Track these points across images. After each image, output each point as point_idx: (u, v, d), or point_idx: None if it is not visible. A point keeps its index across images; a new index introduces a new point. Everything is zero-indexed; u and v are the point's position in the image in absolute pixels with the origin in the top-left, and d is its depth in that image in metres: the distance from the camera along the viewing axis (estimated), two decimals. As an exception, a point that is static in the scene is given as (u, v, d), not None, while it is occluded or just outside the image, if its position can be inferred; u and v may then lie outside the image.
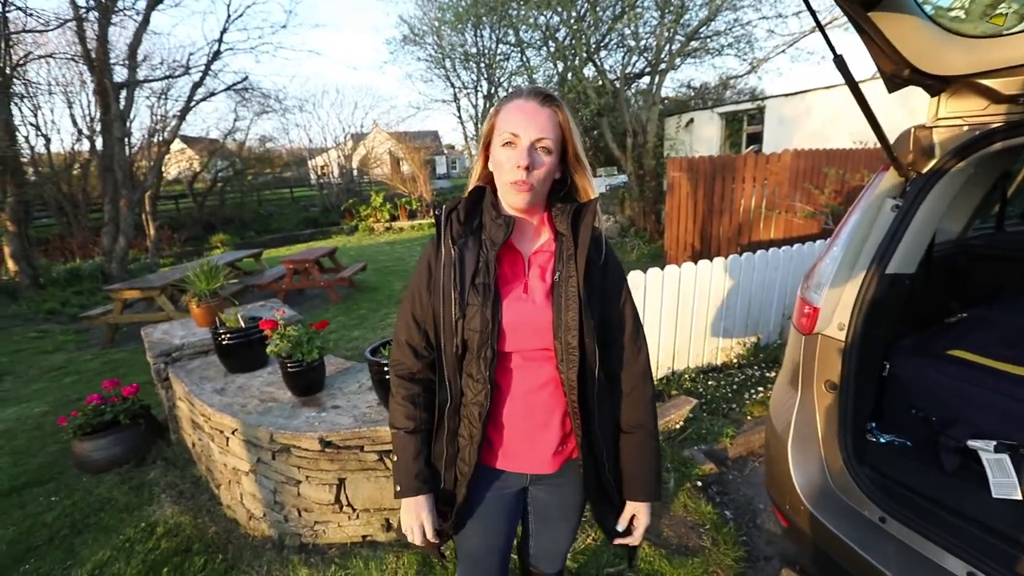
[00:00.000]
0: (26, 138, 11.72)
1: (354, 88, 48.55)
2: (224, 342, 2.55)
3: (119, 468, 2.86)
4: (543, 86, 0.98)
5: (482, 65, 12.18)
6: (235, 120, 20.90)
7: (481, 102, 13.40)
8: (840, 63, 1.16)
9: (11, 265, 8.12)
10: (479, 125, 13.74)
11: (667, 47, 8.72)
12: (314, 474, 2.01)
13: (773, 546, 2.04)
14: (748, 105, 8.81)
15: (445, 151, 29.94)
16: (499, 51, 12.07)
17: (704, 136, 9.44)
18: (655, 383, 3.04)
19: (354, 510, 2.08)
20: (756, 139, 9.10)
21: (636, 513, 1.08)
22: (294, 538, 2.17)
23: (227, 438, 2.23)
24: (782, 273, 3.53)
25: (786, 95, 7.85)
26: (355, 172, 18.98)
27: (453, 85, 13.53)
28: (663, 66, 8.86)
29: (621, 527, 1.09)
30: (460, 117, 14.00)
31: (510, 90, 0.97)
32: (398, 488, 1.03)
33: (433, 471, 1.05)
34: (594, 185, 1.00)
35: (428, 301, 1.00)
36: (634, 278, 2.86)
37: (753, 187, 5.56)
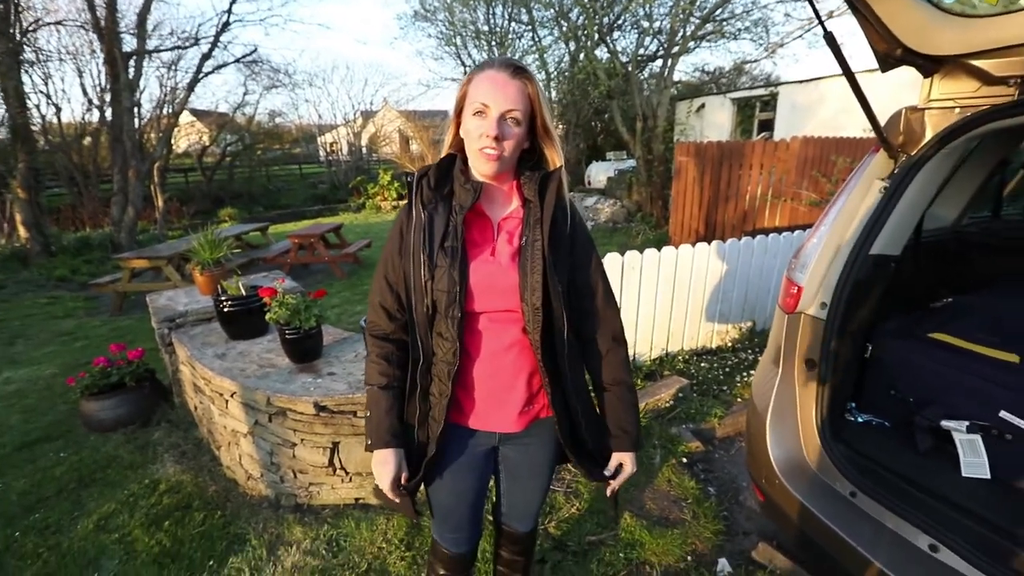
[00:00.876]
0: (37, 106, 11.76)
1: (364, 64, 48.11)
2: (225, 309, 2.60)
3: (125, 428, 2.96)
4: (514, 58, 0.99)
5: (493, 44, 12.01)
6: (244, 94, 20.85)
7: (491, 81, 13.20)
8: (830, 40, 1.16)
9: (23, 232, 8.24)
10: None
11: (681, 29, 8.55)
12: (309, 437, 2.08)
13: (752, 522, 2.09)
14: (761, 91, 8.65)
15: (454, 131, 29.33)
16: (511, 30, 11.90)
17: (715, 122, 9.31)
18: (649, 363, 3.10)
19: (347, 473, 2.15)
20: (768, 126, 8.96)
21: (622, 462, 1.15)
22: (289, 498, 2.26)
23: (226, 401, 2.30)
24: (781, 260, 3.53)
25: (800, 82, 7.70)
26: (364, 150, 18.92)
27: (463, 63, 13.37)
28: (676, 49, 8.70)
29: (608, 473, 1.15)
30: (469, 96, 13.79)
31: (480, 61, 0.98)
32: (369, 441, 1.07)
33: (404, 427, 1.09)
34: (560, 154, 1.02)
35: (400, 264, 1.03)
36: (631, 259, 2.88)
37: (760, 174, 5.51)
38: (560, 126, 12.65)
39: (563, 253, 1.00)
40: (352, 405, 2.01)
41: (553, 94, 11.93)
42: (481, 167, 0.98)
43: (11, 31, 7.81)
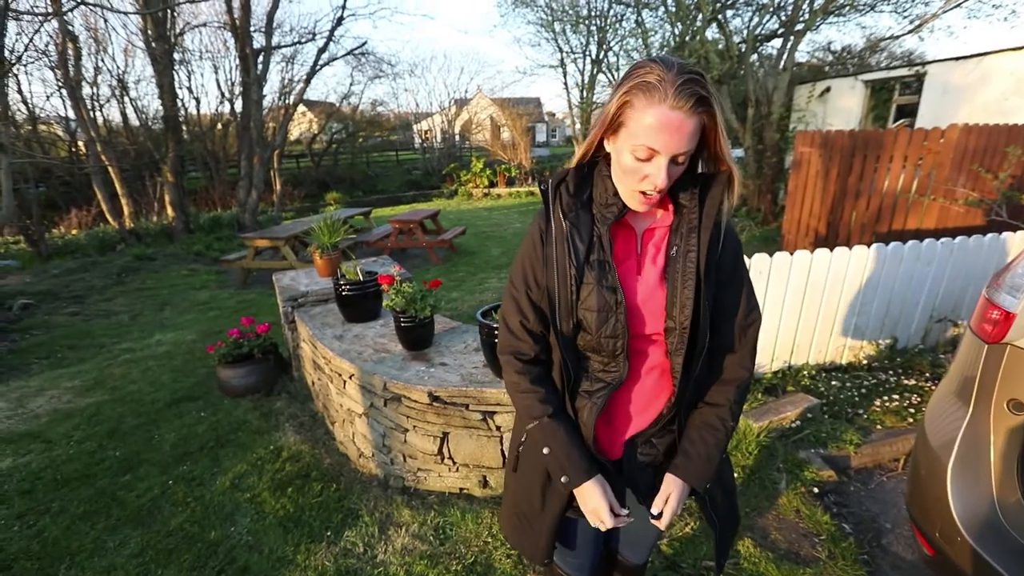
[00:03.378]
0: (182, 100, 13.36)
1: (461, 53, 49.19)
2: (344, 293, 2.74)
3: (252, 395, 3.25)
4: (691, 67, 0.77)
5: (593, 28, 11.65)
6: (351, 84, 22.18)
7: (589, 67, 12.90)
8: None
9: (170, 212, 9.42)
10: (584, 92, 13.27)
11: (806, 4, 7.70)
12: (421, 425, 2.12)
13: (901, 572, 1.82)
14: (903, 71, 7.54)
15: (546, 118, 29.53)
16: (612, 12, 11.46)
17: (842, 107, 8.30)
18: (769, 375, 2.82)
19: (454, 463, 2.17)
20: (908, 112, 7.83)
21: (671, 493, 0.95)
22: (398, 480, 2.33)
23: (344, 381, 2.42)
24: (936, 269, 3.04)
25: (957, 59, 6.60)
26: (457, 137, 19.41)
27: (561, 50, 13.12)
28: (800, 26, 7.85)
29: (655, 509, 0.96)
30: (566, 83, 13.61)
31: (644, 66, 0.76)
32: (564, 479, 0.95)
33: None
34: (731, 156, 0.85)
35: (543, 277, 0.94)
36: (758, 262, 2.62)
37: (903, 167, 4.82)
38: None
39: (713, 265, 0.89)
40: (464, 398, 2.02)
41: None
42: (632, 204, 0.88)
43: (168, 34, 8.86)
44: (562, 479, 0.95)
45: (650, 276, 0.91)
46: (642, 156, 0.80)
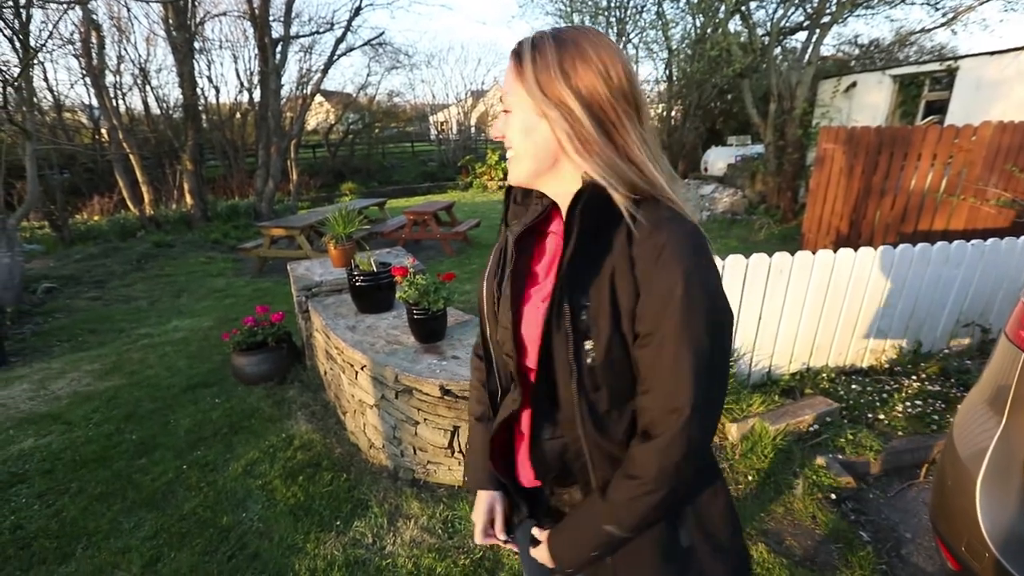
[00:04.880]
0: (202, 90, 13.50)
1: (479, 44, 48.96)
2: (358, 283, 2.73)
3: (265, 383, 3.28)
4: (562, 28, 0.70)
5: (613, 19, 11.47)
6: (368, 75, 22.19)
7: (606, 60, 12.68)
8: None
9: (189, 199, 9.55)
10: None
11: (835, -5, 7.47)
12: (432, 418, 2.12)
13: (921, 583, 1.77)
14: (934, 66, 7.29)
15: (561, 112, 28.82)
16: (633, 4, 11.26)
17: (868, 103, 8.07)
18: (787, 377, 2.75)
19: (464, 457, 2.16)
20: (937, 109, 7.59)
21: (541, 544, 0.84)
22: (407, 472, 2.33)
23: (356, 372, 2.42)
24: (965, 272, 2.94)
25: (992, 53, 6.37)
26: (473, 129, 19.33)
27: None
28: (826, 19, 7.63)
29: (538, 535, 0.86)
30: (582, 76, 13.39)
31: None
32: (466, 479, 0.95)
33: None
34: (600, 168, 0.68)
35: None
36: (779, 261, 2.55)
37: (931, 166, 4.67)
38: (676, 108, 11.85)
39: (590, 293, 0.69)
40: (476, 392, 2.00)
41: (674, 71, 11.17)
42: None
43: (188, 23, 8.93)
44: (465, 478, 0.98)
45: (538, 299, 0.78)
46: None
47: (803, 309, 2.73)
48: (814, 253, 2.63)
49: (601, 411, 0.72)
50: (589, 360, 0.69)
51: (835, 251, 2.67)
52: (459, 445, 2.14)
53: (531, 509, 0.91)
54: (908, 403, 2.60)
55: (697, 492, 0.80)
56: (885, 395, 2.69)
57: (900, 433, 2.44)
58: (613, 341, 0.68)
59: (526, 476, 0.89)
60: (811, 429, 2.42)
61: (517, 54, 0.69)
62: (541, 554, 0.84)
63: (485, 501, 0.92)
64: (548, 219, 0.81)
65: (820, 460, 2.25)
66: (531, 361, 0.77)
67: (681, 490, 0.74)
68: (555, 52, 0.67)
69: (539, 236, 0.82)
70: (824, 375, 2.83)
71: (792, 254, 2.60)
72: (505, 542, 0.92)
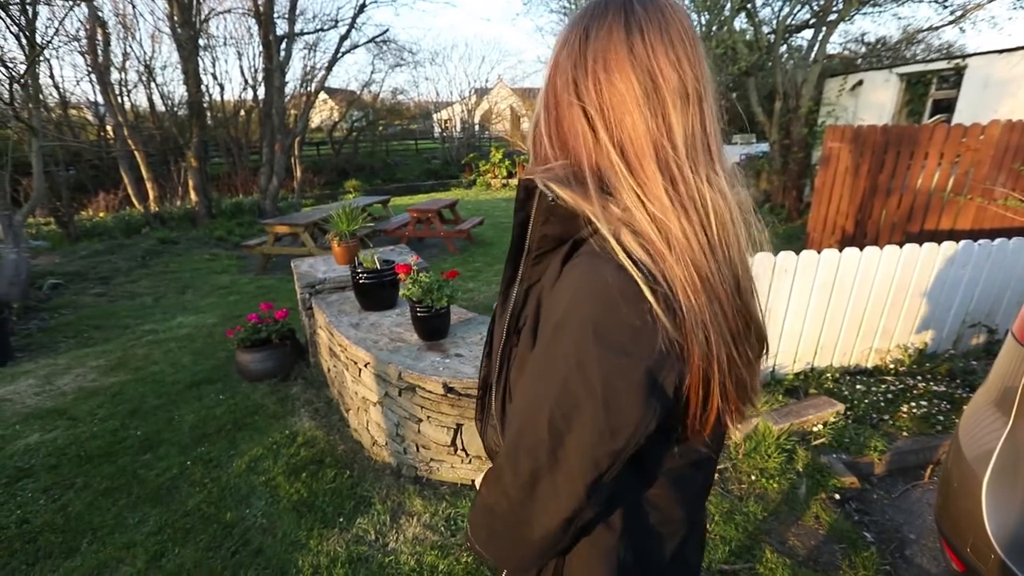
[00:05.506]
0: (206, 87, 13.53)
1: (483, 42, 48.91)
2: (361, 281, 2.74)
3: (269, 380, 3.29)
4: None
5: (617, 17, 11.42)
6: (372, 72, 22.17)
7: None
8: None
9: (193, 196, 9.57)
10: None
11: (842, -8, 7.41)
12: (435, 415, 2.12)
13: (925, 585, 1.77)
14: (942, 64, 7.23)
15: (565, 110, 28.76)
16: (637, 1, 11.20)
17: (874, 102, 8.01)
18: (791, 376, 2.72)
19: (467, 455, 2.16)
20: (944, 107, 7.53)
21: None
22: (410, 469, 2.34)
23: (360, 370, 2.42)
24: (972, 272, 2.92)
25: (1001, 51, 6.31)
26: (476, 127, 19.33)
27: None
28: (833, 17, 7.58)
29: None
30: (587, 74, 13.35)
31: None
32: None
33: None
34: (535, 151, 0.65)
35: None
36: (784, 260, 2.54)
37: (938, 165, 4.63)
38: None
39: (528, 316, 0.64)
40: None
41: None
42: None
43: (193, 20, 8.95)
44: None
45: None
46: None
47: (807, 308, 2.72)
48: (819, 252, 2.62)
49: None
50: (508, 360, 0.67)
51: (840, 250, 2.65)
52: (462, 443, 2.14)
53: None
54: (913, 404, 2.59)
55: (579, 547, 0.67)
56: (890, 396, 2.68)
57: (905, 434, 2.43)
58: (525, 357, 0.61)
59: None
60: (815, 429, 2.41)
61: None
62: None
63: None
64: None
65: (824, 460, 2.24)
66: None
67: (501, 550, 0.66)
68: None
69: None
70: (828, 375, 2.82)
71: (797, 253, 2.59)
72: None
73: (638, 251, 0.51)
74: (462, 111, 19.30)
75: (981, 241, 2.87)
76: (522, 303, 0.64)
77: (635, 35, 0.53)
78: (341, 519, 2.11)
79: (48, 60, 9.97)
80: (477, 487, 0.71)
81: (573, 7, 11.86)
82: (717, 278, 0.53)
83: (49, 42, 6.58)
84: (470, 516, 0.70)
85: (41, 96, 7.08)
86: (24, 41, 5.50)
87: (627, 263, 0.50)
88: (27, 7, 5.50)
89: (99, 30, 8.64)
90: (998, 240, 2.90)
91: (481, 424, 0.78)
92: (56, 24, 7.56)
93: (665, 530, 0.67)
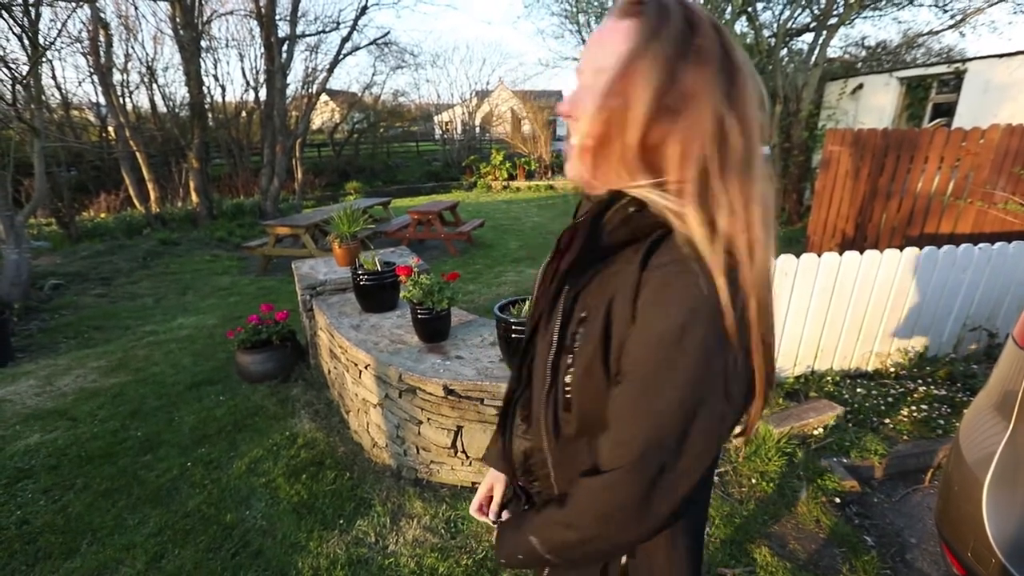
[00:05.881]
0: (208, 88, 13.55)
1: (484, 44, 49.06)
2: (362, 282, 2.74)
3: (269, 382, 3.29)
4: None
5: (618, 20, 11.45)
6: (373, 74, 22.21)
7: (611, 61, 12.66)
8: None
9: (194, 197, 9.59)
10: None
11: (843, -4, 7.44)
12: (435, 418, 2.12)
13: (926, 589, 1.76)
14: (942, 68, 7.25)
15: (566, 112, 28.81)
16: (638, 4, 11.22)
17: (874, 105, 8.02)
18: (791, 379, 2.72)
19: (467, 457, 2.16)
20: (944, 111, 7.54)
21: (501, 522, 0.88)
22: (410, 471, 2.34)
23: (360, 371, 2.42)
24: (972, 276, 2.92)
25: (1001, 55, 6.32)
26: (477, 129, 19.35)
27: (584, 42, 12.97)
28: (833, 20, 7.61)
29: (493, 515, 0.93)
30: (587, 77, 13.38)
31: None
32: (483, 455, 0.98)
33: None
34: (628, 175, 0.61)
35: None
36: (784, 263, 2.55)
37: (938, 169, 4.64)
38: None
39: (589, 330, 0.62)
40: (479, 392, 2.00)
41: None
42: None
43: (195, 22, 8.97)
44: (483, 455, 0.99)
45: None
46: None
47: (808, 312, 2.72)
48: (819, 256, 2.62)
49: (567, 434, 0.67)
50: (568, 378, 0.64)
51: (840, 254, 2.66)
52: (462, 445, 2.14)
53: (529, 503, 0.89)
54: (913, 407, 2.59)
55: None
56: (891, 399, 2.68)
57: (905, 437, 2.43)
58: (594, 367, 0.61)
59: None
60: (816, 432, 2.41)
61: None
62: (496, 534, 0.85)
63: (488, 479, 0.96)
64: None
65: (825, 463, 2.24)
66: None
67: (603, 547, 0.66)
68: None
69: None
70: (829, 378, 2.82)
71: (797, 256, 2.59)
72: (494, 522, 0.91)
73: (728, 259, 0.56)
74: (463, 113, 19.34)
75: (981, 245, 2.88)
76: (570, 310, 0.65)
77: (735, 51, 0.58)
78: (341, 521, 2.11)
79: (50, 61, 10.01)
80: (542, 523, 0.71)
81: (575, 10, 11.90)
82: (768, 275, 0.60)
83: (52, 43, 6.61)
84: (549, 540, 0.69)
85: (43, 97, 7.10)
86: (27, 42, 5.52)
87: (719, 271, 0.54)
88: (30, 8, 5.52)
89: (102, 31, 8.67)
90: (998, 244, 2.91)
91: (506, 435, 0.81)
92: (59, 25, 7.58)
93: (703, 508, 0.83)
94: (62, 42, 8.18)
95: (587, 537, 0.65)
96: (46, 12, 9.52)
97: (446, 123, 20.80)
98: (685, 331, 0.54)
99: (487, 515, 0.94)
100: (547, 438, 0.69)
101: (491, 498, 0.95)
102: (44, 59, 7.03)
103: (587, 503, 0.63)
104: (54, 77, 11.35)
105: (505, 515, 0.91)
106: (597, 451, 0.64)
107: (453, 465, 2.21)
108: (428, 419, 2.15)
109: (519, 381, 0.80)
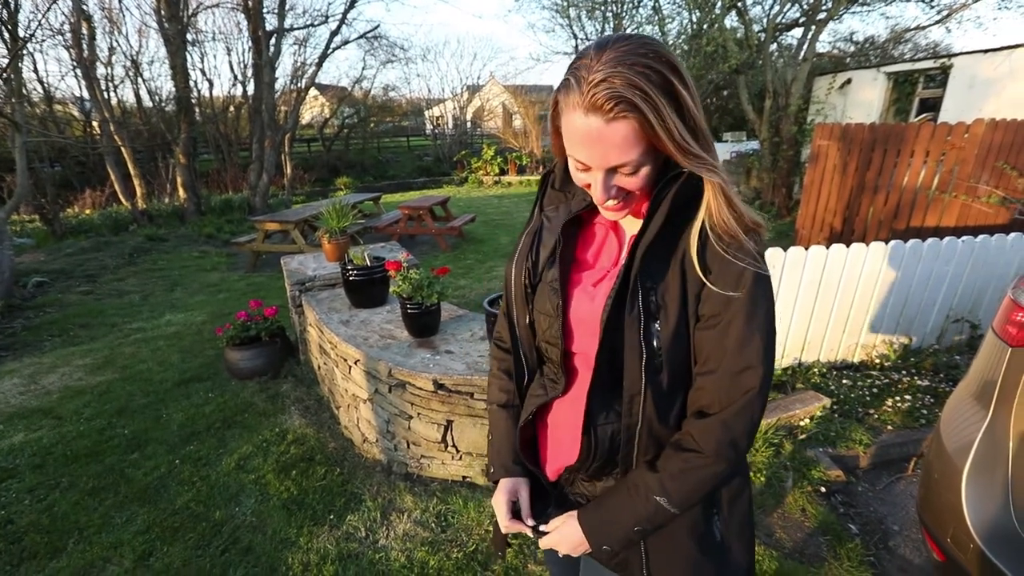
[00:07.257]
0: (195, 82, 13.34)
1: (475, 38, 48.69)
2: (351, 278, 2.73)
3: (259, 378, 3.27)
4: (623, 52, 0.61)
5: (609, 14, 11.43)
6: (363, 69, 22.00)
7: (603, 55, 12.63)
8: None
9: (182, 193, 9.46)
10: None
11: (831, -9, 7.47)
12: (425, 412, 2.12)
13: (908, 575, 1.80)
14: (928, 64, 7.32)
15: (558, 107, 28.77)
16: (628, -1, 11.22)
17: (862, 100, 8.09)
18: (779, 372, 2.76)
19: (458, 451, 2.17)
20: (931, 106, 7.62)
21: (563, 525, 0.83)
22: (401, 466, 2.34)
23: (350, 367, 2.42)
24: (956, 268, 2.97)
25: (986, 51, 6.39)
26: (468, 124, 19.25)
27: (576, 36, 12.91)
28: (822, 15, 7.64)
29: (545, 527, 0.86)
30: (578, 71, 13.33)
31: (584, 55, 0.65)
32: (491, 470, 0.93)
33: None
34: (708, 161, 0.69)
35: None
36: (772, 257, 2.57)
37: (924, 163, 4.69)
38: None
39: (662, 286, 0.72)
40: (469, 386, 2.01)
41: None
42: (605, 215, 0.77)
43: (181, 14, 8.83)
44: (490, 470, 0.95)
45: (603, 287, 0.79)
46: (580, 166, 0.70)
47: (795, 304, 2.75)
48: (807, 249, 2.65)
49: (664, 393, 0.75)
50: (656, 342, 0.72)
51: (828, 247, 2.68)
52: (452, 439, 2.14)
53: (561, 501, 0.90)
54: (897, 398, 2.63)
55: (731, 485, 0.83)
56: (876, 390, 2.72)
57: (889, 427, 2.47)
58: (680, 322, 0.72)
59: (551, 467, 0.90)
60: (802, 423, 2.44)
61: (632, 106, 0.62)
62: (558, 538, 0.83)
63: (507, 487, 0.90)
64: (594, 209, 0.81)
65: (811, 454, 2.28)
66: (578, 346, 0.81)
67: (731, 469, 0.75)
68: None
69: (582, 224, 0.85)
70: (815, 370, 2.86)
71: (785, 250, 2.62)
72: (533, 527, 0.87)
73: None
74: (454, 108, 19.22)
75: (965, 238, 2.92)
76: (652, 283, 0.72)
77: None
78: (331, 516, 2.10)
79: (31, 54, 9.81)
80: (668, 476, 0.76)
81: (565, 4, 11.86)
82: None
83: (32, 35, 6.47)
84: (680, 490, 0.75)
85: (24, 91, 6.95)
86: (6, 34, 5.40)
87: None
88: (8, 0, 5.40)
89: (84, 24, 8.50)
90: (981, 237, 2.95)
91: (591, 432, 0.79)
92: (39, 17, 7.42)
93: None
94: (43, 34, 8.02)
95: (719, 470, 0.73)
96: (26, 3, 9.32)
97: (437, 118, 20.67)
98: (758, 286, 0.70)
99: (523, 522, 0.88)
100: (643, 407, 0.74)
101: (515, 505, 0.90)
102: (24, 52, 6.89)
103: (720, 435, 0.72)
104: (36, 71, 11.16)
105: (557, 516, 0.86)
106: (696, 396, 0.75)
107: (444, 459, 2.21)
108: (418, 414, 2.14)
109: (562, 383, 0.83)
